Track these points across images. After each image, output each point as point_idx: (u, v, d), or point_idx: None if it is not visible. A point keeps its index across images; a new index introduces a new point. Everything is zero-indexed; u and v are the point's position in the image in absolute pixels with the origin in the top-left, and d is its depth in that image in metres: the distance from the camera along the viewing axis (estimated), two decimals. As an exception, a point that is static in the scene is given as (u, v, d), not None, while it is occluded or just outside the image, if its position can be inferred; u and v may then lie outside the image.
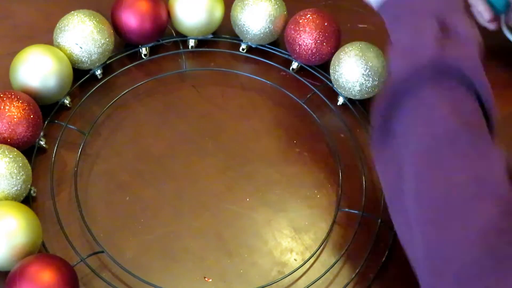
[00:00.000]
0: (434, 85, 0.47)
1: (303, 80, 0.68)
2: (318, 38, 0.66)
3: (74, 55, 0.63)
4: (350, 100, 0.67)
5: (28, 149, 0.59)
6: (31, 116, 0.58)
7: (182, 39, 0.70)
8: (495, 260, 0.39)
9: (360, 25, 0.75)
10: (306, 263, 0.57)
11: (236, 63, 0.70)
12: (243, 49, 0.70)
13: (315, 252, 0.57)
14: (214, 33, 0.71)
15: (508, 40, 0.69)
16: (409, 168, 0.45)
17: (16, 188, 0.54)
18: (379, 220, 0.59)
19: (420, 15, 0.50)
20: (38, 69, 0.60)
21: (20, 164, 0.55)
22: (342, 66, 0.65)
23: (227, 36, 0.71)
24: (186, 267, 0.56)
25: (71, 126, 0.62)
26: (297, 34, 0.66)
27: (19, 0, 0.74)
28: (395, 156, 0.48)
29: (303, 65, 0.69)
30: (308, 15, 0.66)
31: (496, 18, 0.68)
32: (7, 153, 0.54)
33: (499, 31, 0.69)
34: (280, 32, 0.69)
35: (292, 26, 0.67)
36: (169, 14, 0.68)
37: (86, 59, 0.64)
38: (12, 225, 0.51)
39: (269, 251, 0.57)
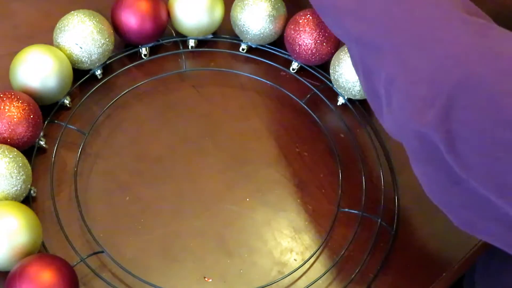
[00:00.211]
0: None
1: (303, 80, 0.68)
2: (318, 38, 0.66)
3: (74, 55, 0.63)
4: (350, 100, 0.67)
5: (28, 149, 0.59)
6: (31, 116, 0.58)
7: (182, 39, 0.70)
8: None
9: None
10: (306, 263, 0.57)
11: (236, 63, 0.70)
12: (243, 49, 0.70)
13: (315, 252, 0.57)
14: (214, 33, 0.71)
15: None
16: None
17: (16, 188, 0.54)
18: (379, 220, 0.59)
19: None
20: (38, 69, 0.60)
21: (20, 164, 0.55)
22: (342, 66, 0.65)
23: (227, 36, 0.71)
24: (186, 267, 0.56)
25: (71, 126, 0.62)
26: (297, 34, 0.66)
27: (19, 0, 0.74)
28: None
29: (303, 65, 0.69)
30: (308, 15, 0.66)
31: None
32: (7, 153, 0.54)
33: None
34: (280, 32, 0.69)
35: (292, 26, 0.67)
36: (169, 14, 0.68)
37: (86, 59, 0.64)
38: (12, 225, 0.51)
39: (269, 251, 0.57)
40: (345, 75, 0.65)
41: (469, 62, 0.40)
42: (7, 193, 0.54)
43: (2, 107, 0.56)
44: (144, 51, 0.69)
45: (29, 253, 0.51)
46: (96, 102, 0.65)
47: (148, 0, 0.66)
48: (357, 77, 0.64)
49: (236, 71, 0.69)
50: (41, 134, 0.60)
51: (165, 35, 0.70)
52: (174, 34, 0.71)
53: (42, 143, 0.61)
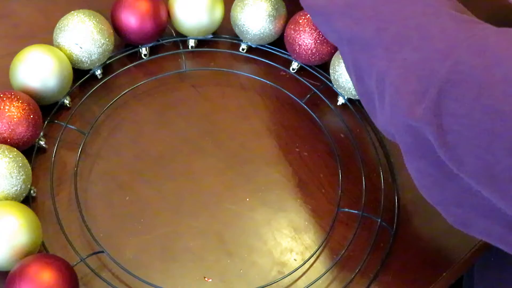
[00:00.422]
0: None
1: (303, 80, 0.68)
2: (318, 38, 0.66)
3: (74, 55, 0.63)
4: (350, 100, 0.67)
5: (28, 149, 0.59)
6: (31, 116, 0.58)
7: (182, 39, 0.70)
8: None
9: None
10: (306, 263, 0.57)
11: (236, 63, 0.70)
12: (243, 49, 0.71)
13: (315, 252, 0.57)
14: (214, 33, 0.71)
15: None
16: None
17: (16, 188, 0.54)
18: (379, 220, 0.59)
19: None
20: (38, 69, 0.60)
21: (20, 164, 0.55)
22: (342, 66, 0.65)
23: (227, 36, 0.71)
24: (186, 267, 0.56)
25: (71, 126, 0.62)
26: (297, 34, 0.66)
27: (19, 0, 0.74)
28: None
29: (303, 65, 0.69)
30: (308, 15, 0.66)
31: None
32: (7, 153, 0.54)
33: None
34: (280, 32, 0.69)
35: (292, 26, 0.67)
36: (169, 14, 0.68)
37: (86, 59, 0.64)
38: (12, 225, 0.51)
39: (269, 251, 0.57)
40: (345, 75, 0.65)
41: (457, 55, 0.41)
42: (7, 193, 0.54)
43: (2, 107, 0.56)
44: (144, 51, 0.69)
45: (29, 253, 0.51)
46: (96, 102, 0.65)
47: (148, 0, 0.66)
48: (357, 77, 0.64)
49: (236, 71, 0.69)
50: (41, 134, 0.60)
51: (165, 35, 0.70)
52: (174, 34, 0.71)
53: (42, 143, 0.61)
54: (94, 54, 0.64)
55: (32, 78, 0.60)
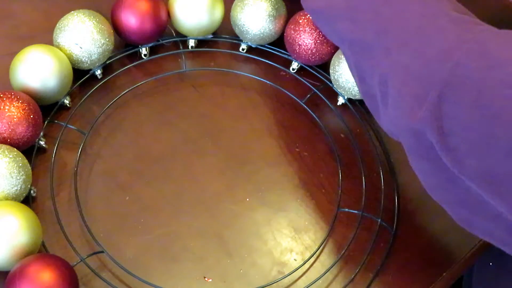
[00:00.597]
0: None
1: (303, 80, 0.68)
2: (318, 38, 0.66)
3: (74, 55, 0.63)
4: (350, 100, 0.67)
5: (28, 149, 0.59)
6: (31, 116, 0.58)
7: (182, 39, 0.70)
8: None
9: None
10: (306, 263, 0.57)
11: (236, 63, 0.71)
12: (243, 49, 0.71)
13: (315, 252, 0.57)
14: (214, 33, 0.71)
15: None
16: None
17: (16, 188, 0.54)
18: (379, 220, 0.59)
19: None
20: (38, 69, 0.60)
21: (20, 164, 0.55)
22: (342, 66, 0.65)
23: (227, 36, 0.71)
24: (186, 267, 0.56)
25: (71, 126, 0.62)
26: (297, 34, 0.66)
27: (19, 0, 0.74)
28: None
29: (303, 65, 0.69)
30: (308, 15, 0.66)
31: None
32: (7, 153, 0.54)
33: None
34: (280, 32, 0.69)
35: (292, 26, 0.67)
36: (169, 14, 0.68)
37: (86, 59, 0.64)
38: (12, 225, 0.51)
39: (269, 251, 0.57)
40: (345, 75, 0.65)
41: (457, 58, 0.41)
42: (7, 193, 0.54)
43: (2, 107, 0.56)
44: (144, 51, 0.69)
45: (29, 253, 0.51)
46: (96, 102, 0.65)
47: (148, 0, 0.66)
48: (357, 77, 0.64)
49: (236, 71, 0.69)
50: (41, 134, 0.60)
51: (165, 35, 0.70)
52: (174, 34, 0.71)
53: (42, 143, 0.61)
54: (94, 54, 0.64)
55: (32, 78, 0.60)
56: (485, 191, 0.40)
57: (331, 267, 0.57)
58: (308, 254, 0.57)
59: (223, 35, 0.72)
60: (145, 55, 0.69)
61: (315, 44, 0.66)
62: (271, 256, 0.57)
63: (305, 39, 0.66)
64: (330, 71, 0.67)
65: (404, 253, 0.59)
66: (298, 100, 0.67)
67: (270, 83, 0.68)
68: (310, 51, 0.67)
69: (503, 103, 0.37)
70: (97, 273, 0.54)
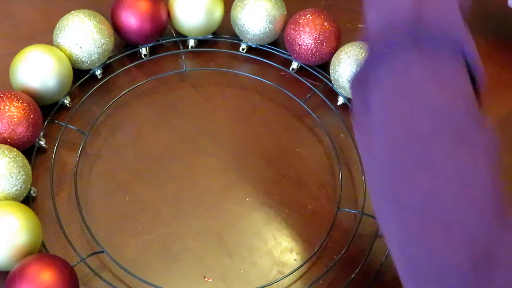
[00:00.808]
0: (413, 48, 0.39)
1: (303, 80, 0.68)
2: (318, 38, 0.66)
3: (74, 55, 0.63)
4: (350, 100, 0.67)
5: (28, 149, 0.59)
6: (31, 116, 0.58)
7: (182, 39, 0.70)
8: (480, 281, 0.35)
9: (360, 25, 0.76)
10: (306, 263, 0.57)
11: (236, 63, 0.71)
12: (243, 49, 0.71)
13: (315, 252, 0.57)
14: (214, 33, 0.71)
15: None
16: (380, 148, 0.40)
17: (16, 188, 0.54)
18: (379, 220, 0.59)
19: None
20: (38, 69, 0.60)
21: (20, 164, 0.55)
22: (342, 66, 0.65)
23: (227, 36, 0.72)
24: (186, 267, 0.56)
25: (71, 126, 0.62)
26: (297, 34, 0.66)
27: (19, 0, 0.74)
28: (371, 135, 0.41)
29: (303, 65, 0.69)
30: (308, 15, 0.66)
31: None
32: (7, 153, 0.54)
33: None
34: (280, 32, 0.69)
35: (292, 26, 0.67)
36: (169, 14, 0.68)
37: (86, 59, 0.64)
38: (12, 225, 0.51)
39: (269, 251, 0.57)
40: (345, 75, 0.65)
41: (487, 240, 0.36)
42: (7, 193, 0.54)
43: (2, 107, 0.56)
44: (144, 51, 0.69)
45: (29, 253, 0.51)
46: (96, 102, 0.65)
47: (148, 0, 0.66)
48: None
49: (236, 71, 0.69)
50: (41, 134, 0.60)
51: (165, 35, 0.70)
52: (174, 34, 0.71)
53: (42, 143, 0.61)
54: (94, 54, 0.64)
55: (32, 78, 0.60)
56: None
57: (331, 267, 0.57)
58: (308, 254, 0.57)
59: (223, 35, 0.72)
60: (145, 55, 0.69)
61: (315, 44, 0.66)
62: (271, 256, 0.57)
63: (305, 39, 0.66)
64: (330, 71, 0.67)
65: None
66: (298, 100, 0.67)
67: (270, 83, 0.68)
68: (310, 51, 0.67)
69: None
70: (97, 273, 0.54)
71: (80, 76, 0.65)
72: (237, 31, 0.70)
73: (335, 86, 0.67)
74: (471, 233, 0.36)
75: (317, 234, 0.59)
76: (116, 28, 0.66)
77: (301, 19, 0.66)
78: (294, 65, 0.69)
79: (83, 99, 0.64)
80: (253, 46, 0.70)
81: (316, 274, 0.56)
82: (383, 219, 0.41)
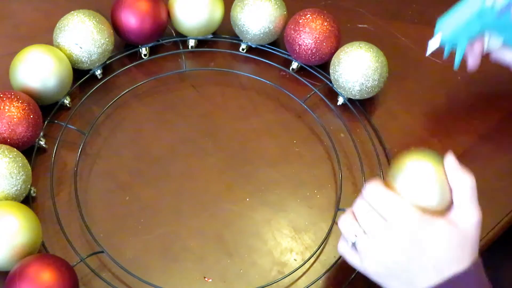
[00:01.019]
0: None
1: (303, 80, 0.68)
2: (318, 38, 0.66)
3: (74, 55, 0.63)
4: (350, 100, 0.67)
5: (28, 149, 0.59)
6: (31, 116, 0.58)
7: (182, 39, 0.70)
8: None
9: (360, 25, 0.76)
10: (306, 263, 0.57)
11: (236, 63, 0.71)
12: (243, 49, 0.71)
13: (315, 252, 0.57)
14: (214, 33, 0.71)
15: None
16: None
17: (16, 188, 0.54)
18: (379, 220, 0.59)
19: None
20: (38, 69, 0.60)
21: (20, 164, 0.55)
22: (342, 66, 0.65)
23: (227, 36, 0.71)
24: (186, 267, 0.56)
25: (71, 126, 0.62)
26: (297, 34, 0.66)
27: (19, 0, 0.74)
28: None
29: (303, 65, 0.69)
30: (308, 15, 0.66)
31: None
32: (7, 153, 0.54)
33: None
34: (280, 32, 0.69)
35: (292, 26, 0.67)
36: (169, 14, 0.68)
37: (86, 59, 0.64)
38: (12, 225, 0.51)
39: (269, 251, 0.57)
40: (345, 75, 0.65)
41: None
42: (7, 193, 0.54)
43: (2, 107, 0.56)
44: (144, 51, 0.69)
45: (29, 253, 0.51)
46: (96, 102, 0.65)
47: (148, 0, 0.66)
48: (356, 77, 0.64)
49: (236, 71, 0.69)
50: (41, 134, 0.60)
51: (165, 35, 0.70)
52: (174, 34, 0.71)
53: (42, 143, 0.61)
54: (94, 54, 0.64)
55: (32, 78, 0.60)
56: None
57: (331, 267, 0.57)
58: (308, 254, 0.57)
59: (223, 35, 0.72)
60: (145, 55, 0.69)
61: (315, 44, 0.66)
62: (271, 256, 0.57)
63: (305, 39, 0.66)
64: (330, 71, 0.67)
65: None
66: (298, 100, 0.67)
67: (270, 83, 0.68)
68: (310, 51, 0.67)
69: None
70: (97, 273, 0.54)
71: (80, 76, 0.65)
72: (237, 31, 0.70)
73: (335, 86, 0.67)
74: None
75: (317, 234, 0.59)
76: (116, 28, 0.66)
77: (301, 19, 0.66)
78: (294, 65, 0.69)
79: (83, 99, 0.64)
80: (253, 46, 0.70)
81: (316, 274, 0.56)
82: None
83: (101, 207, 0.59)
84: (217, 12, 0.69)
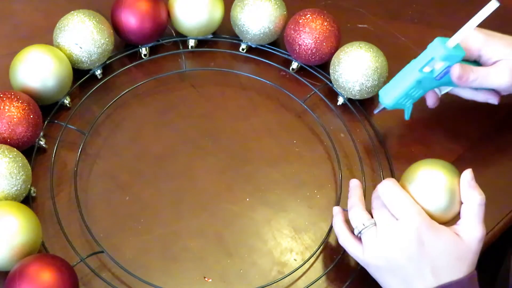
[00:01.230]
0: None
1: (303, 80, 0.68)
2: (318, 38, 0.66)
3: (74, 55, 0.63)
4: (350, 100, 0.67)
5: (28, 149, 0.59)
6: (31, 116, 0.58)
7: (182, 39, 0.70)
8: None
9: (360, 25, 0.76)
10: (306, 263, 0.57)
11: (236, 63, 0.71)
12: (243, 49, 0.71)
13: (315, 252, 0.57)
14: (214, 33, 0.71)
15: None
16: None
17: (16, 188, 0.54)
18: (379, 220, 0.59)
19: None
20: (38, 69, 0.60)
21: (20, 164, 0.55)
22: (342, 66, 0.65)
23: (227, 36, 0.71)
24: (186, 267, 0.56)
25: (71, 126, 0.62)
26: (297, 34, 0.66)
27: (19, 0, 0.74)
28: None
29: (303, 65, 0.69)
30: (308, 15, 0.66)
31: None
32: (7, 153, 0.54)
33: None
34: (280, 32, 0.69)
35: (292, 26, 0.67)
36: (169, 14, 0.68)
37: (86, 59, 0.64)
38: (12, 225, 0.51)
39: (269, 251, 0.57)
40: (345, 75, 0.65)
41: None
42: (7, 193, 0.54)
43: (2, 107, 0.56)
44: (144, 51, 0.69)
45: (29, 253, 0.51)
46: (96, 102, 0.65)
47: (148, 0, 0.66)
48: (357, 77, 0.64)
49: (236, 71, 0.69)
50: (41, 134, 0.60)
51: (165, 35, 0.70)
52: (174, 34, 0.71)
53: (42, 143, 0.61)
54: (94, 54, 0.64)
55: (32, 78, 0.60)
56: None
57: (331, 267, 0.57)
58: (308, 254, 0.57)
59: (223, 35, 0.72)
60: (145, 55, 0.69)
61: (315, 44, 0.66)
62: (271, 256, 0.57)
63: (305, 39, 0.66)
64: (330, 71, 0.67)
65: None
66: (298, 100, 0.67)
67: (270, 83, 0.68)
68: (310, 51, 0.67)
69: None
70: (97, 273, 0.54)
71: (80, 76, 0.65)
72: (237, 31, 0.70)
73: (335, 86, 0.67)
74: None
75: (317, 234, 0.59)
76: (116, 28, 0.66)
77: (301, 19, 0.66)
78: (294, 65, 0.69)
79: (83, 99, 0.64)
80: (253, 46, 0.70)
81: (316, 274, 0.56)
82: None
83: (101, 207, 0.59)
84: (217, 12, 0.69)
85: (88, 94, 0.65)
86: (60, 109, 0.64)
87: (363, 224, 0.53)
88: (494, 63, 0.60)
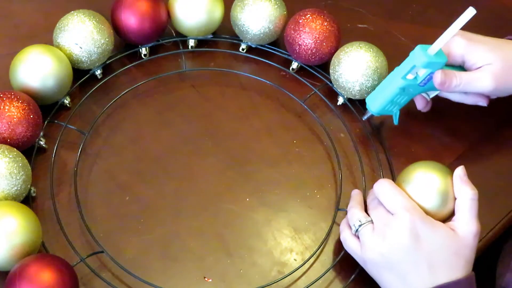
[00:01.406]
0: None
1: (303, 80, 0.68)
2: (318, 38, 0.66)
3: (74, 55, 0.63)
4: (350, 100, 0.67)
5: (28, 149, 0.59)
6: (31, 116, 0.58)
7: (182, 39, 0.70)
8: None
9: (360, 25, 0.76)
10: (306, 263, 0.57)
11: (236, 63, 0.70)
12: (243, 49, 0.71)
13: (315, 252, 0.57)
14: (214, 33, 0.71)
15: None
16: None
17: (16, 188, 0.54)
18: (379, 220, 0.59)
19: None
20: (38, 69, 0.60)
21: (20, 164, 0.55)
22: (342, 66, 0.65)
23: (227, 36, 0.71)
24: (186, 267, 0.56)
25: (71, 126, 0.62)
26: (297, 34, 0.66)
27: (19, 0, 0.74)
28: None
29: (303, 65, 0.69)
30: (308, 15, 0.66)
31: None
32: (7, 153, 0.54)
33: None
34: (280, 32, 0.69)
35: (292, 26, 0.67)
36: (169, 14, 0.68)
37: (86, 59, 0.64)
38: (12, 225, 0.51)
39: (269, 251, 0.57)
40: (345, 75, 0.65)
41: None
42: (7, 193, 0.54)
43: (2, 107, 0.56)
44: (144, 51, 0.69)
45: (29, 253, 0.51)
46: (96, 102, 0.65)
47: (148, 0, 0.66)
48: (356, 77, 0.64)
49: (236, 71, 0.69)
50: (41, 134, 0.60)
51: (165, 35, 0.70)
52: (174, 34, 0.71)
53: (42, 143, 0.61)
54: (94, 54, 0.64)
55: (32, 78, 0.60)
56: None
57: (331, 267, 0.57)
58: (308, 254, 0.57)
59: (223, 35, 0.72)
60: (145, 55, 0.69)
61: (315, 44, 0.66)
62: (271, 256, 0.57)
63: (305, 39, 0.66)
64: (330, 71, 0.67)
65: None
66: (298, 100, 0.67)
67: (270, 83, 0.68)
68: (310, 51, 0.67)
69: None
70: (97, 273, 0.54)
71: (80, 76, 0.65)
72: (237, 31, 0.70)
73: (335, 86, 0.67)
74: None
75: (317, 234, 0.59)
76: (116, 28, 0.66)
77: (301, 19, 0.66)
78: (294, 65, 0.69)
79: (83, 99, 0.64)
80: (253, 46, 0.70)
81: (316, 274, 0.56)
82: None
83: (101, 207, 0.59)
84: (217, 12, 0.69)
85: (88, 94, 0.65)
86: (60, 109, 0.64)
87: (360, 221, 0.53)
88: (479, 68, 0.60)
